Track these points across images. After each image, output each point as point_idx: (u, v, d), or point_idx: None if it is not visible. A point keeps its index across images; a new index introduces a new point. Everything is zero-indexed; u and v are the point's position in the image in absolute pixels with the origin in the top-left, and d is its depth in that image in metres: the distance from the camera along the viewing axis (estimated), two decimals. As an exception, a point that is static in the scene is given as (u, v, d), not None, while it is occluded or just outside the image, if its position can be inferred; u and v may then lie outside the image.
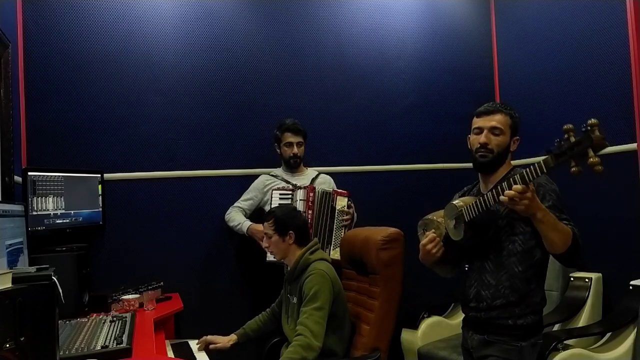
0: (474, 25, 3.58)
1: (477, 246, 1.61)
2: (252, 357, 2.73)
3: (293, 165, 2.78)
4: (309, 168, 2.90)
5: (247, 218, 2.73)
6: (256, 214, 2.79)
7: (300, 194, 2.62)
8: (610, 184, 2.69)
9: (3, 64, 2.12)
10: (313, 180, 2.80)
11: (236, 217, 2.73)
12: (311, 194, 2.61)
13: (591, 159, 1.19)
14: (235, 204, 2.77)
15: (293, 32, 3.10)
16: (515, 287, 1.54)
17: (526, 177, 1.32)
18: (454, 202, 1.59)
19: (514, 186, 1.33)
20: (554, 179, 1.58)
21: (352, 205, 2.75)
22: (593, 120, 1.21)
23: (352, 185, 3.10)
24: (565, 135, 1.24)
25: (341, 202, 2.68)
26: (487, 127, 1.60)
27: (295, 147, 2.74)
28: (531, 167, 1.31)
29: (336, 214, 2.66)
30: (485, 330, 1.60)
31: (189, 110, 2.87)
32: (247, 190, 2.79)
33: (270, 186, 2.74)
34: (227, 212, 2.78)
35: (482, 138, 1.60)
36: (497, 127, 1.59)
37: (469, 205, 1.52)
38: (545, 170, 1.29)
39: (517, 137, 1.65)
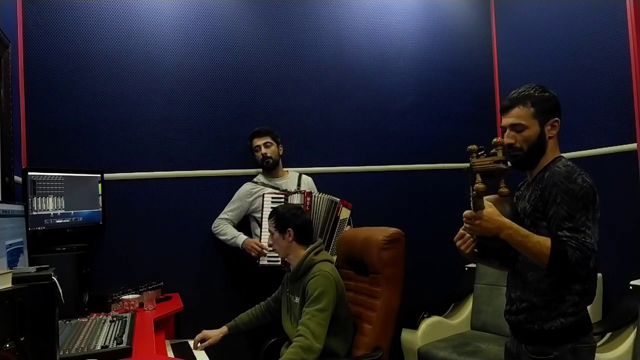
0: (474, 25, 3.58)
1: (507, 247, 1.46)
2: (251, 356, 2.73)
3: (268, 167, 2.76)
4: (289, 170, 2.89)
5: (235, 228, 2.73)
6: (242, 222, 2.79)
7: (296, 199, 2.62)
8: (610, 184, 2.68)
9: (3, 64, 2.12)
10: (298, 183, 2.81)
11: (227, 230, 2.72)
12: (308, 199, 2.62)
13: (477, 184, 1.20)
14: (221, 216, 2.75)
15: (293, 32, 3.10)
16: (540, 290, 1.45)
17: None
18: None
19: (465, 212, 1.35)
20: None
21: (351, 220, 2.76)
22: (495, 140, 1.23)
23: (351, 185, 3.10)
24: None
25: (345, 213, 2.71)
26: (507, 125, 1.52)
27: (262, 148, 2.73)
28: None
29: (338, 223, 2.68)
30: (519, 335, 1.53)
31: (189, 110, 2.87)
32: (231, 201, 2.77)
33: (256, 194, 2.73)
34: (214, 225, 2.76)
35: (506, 139, 1.51)
36: (517, 124, 1.50)
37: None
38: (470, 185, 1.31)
39: (555, 119, 1.52)
